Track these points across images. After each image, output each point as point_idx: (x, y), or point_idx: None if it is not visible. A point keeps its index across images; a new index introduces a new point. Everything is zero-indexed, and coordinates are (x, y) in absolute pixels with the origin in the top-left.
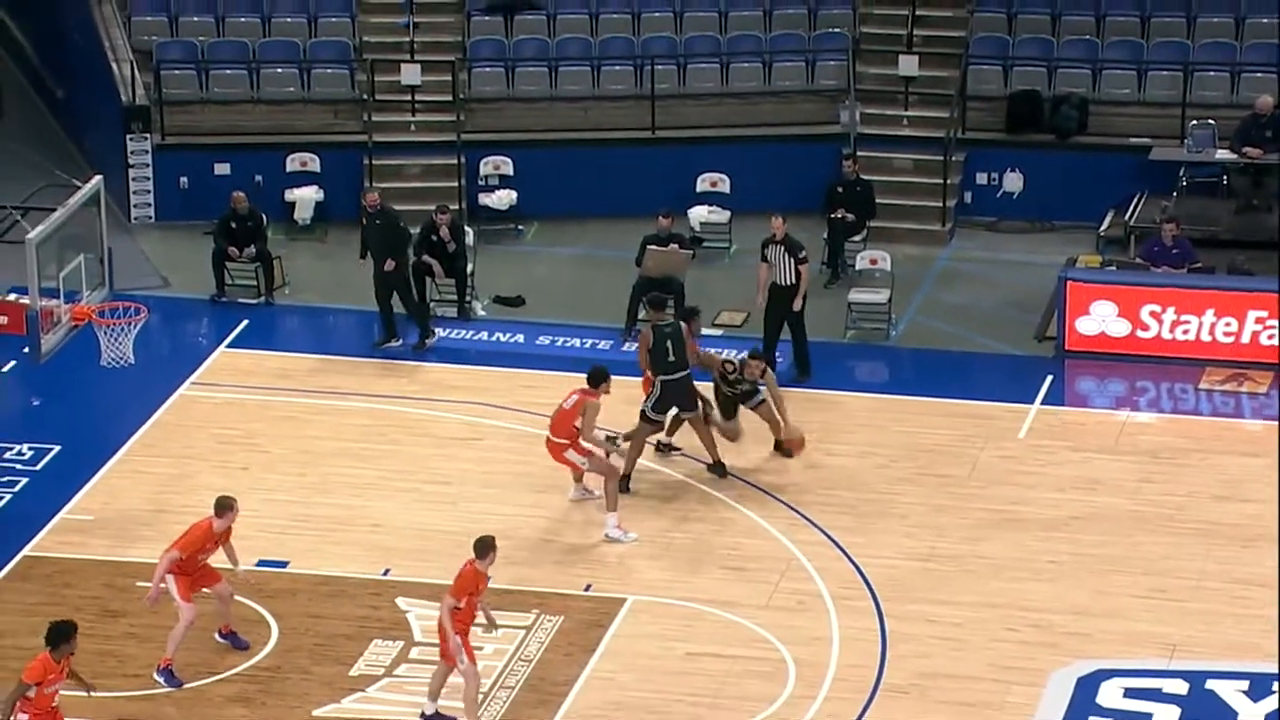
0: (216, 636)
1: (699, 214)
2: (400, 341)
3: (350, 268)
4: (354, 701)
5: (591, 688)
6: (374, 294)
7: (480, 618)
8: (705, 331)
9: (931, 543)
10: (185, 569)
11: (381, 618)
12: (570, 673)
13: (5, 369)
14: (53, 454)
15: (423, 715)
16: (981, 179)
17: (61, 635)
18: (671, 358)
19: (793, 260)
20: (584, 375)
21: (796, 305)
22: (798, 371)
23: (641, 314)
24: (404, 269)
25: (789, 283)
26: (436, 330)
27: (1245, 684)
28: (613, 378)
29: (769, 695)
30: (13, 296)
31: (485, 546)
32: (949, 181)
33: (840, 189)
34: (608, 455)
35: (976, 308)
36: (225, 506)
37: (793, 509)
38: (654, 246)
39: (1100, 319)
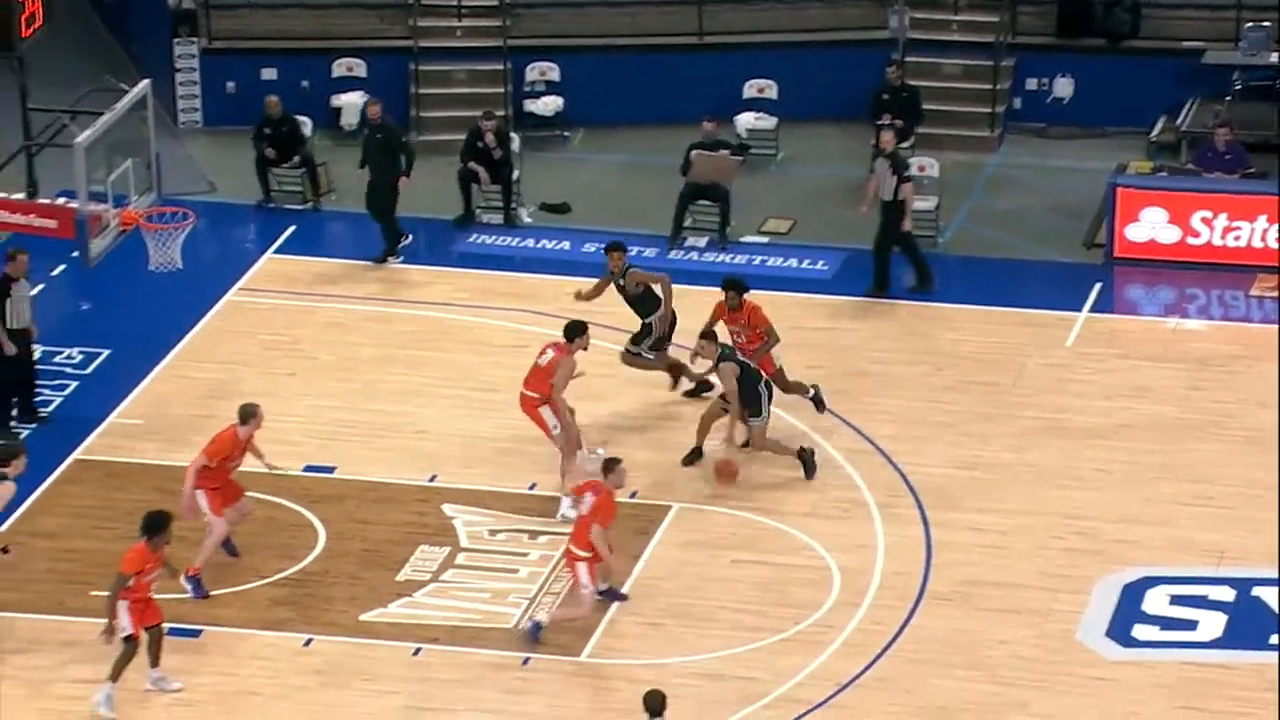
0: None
1: (746, 120)
2: (409, 238)
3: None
4: (400, 606)
5: (636, 595)
6: (366, 204)
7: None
8: (750, 238)
9: (977, 450)
10: (214, 479)
11: (428, 524)
12: (616, 579)
13: (55, 273)
14: (102, 358)
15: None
16: (1031, 84)
17: (157, 525)
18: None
19: (895, 176)
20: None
21: (906, 225)
22: (918, 282)
23: (688, 221)
24: (393, 186)
25: (889, 198)
26: (482, 237)
27: None
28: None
29: (814, 602)
30: (62, 201)
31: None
32: (998, 87)
33: (887, 95)
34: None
35: (1025, 215)
36: (249, 414)
37: (837, 416)
38: (701, 152)
39: (1150, 225)
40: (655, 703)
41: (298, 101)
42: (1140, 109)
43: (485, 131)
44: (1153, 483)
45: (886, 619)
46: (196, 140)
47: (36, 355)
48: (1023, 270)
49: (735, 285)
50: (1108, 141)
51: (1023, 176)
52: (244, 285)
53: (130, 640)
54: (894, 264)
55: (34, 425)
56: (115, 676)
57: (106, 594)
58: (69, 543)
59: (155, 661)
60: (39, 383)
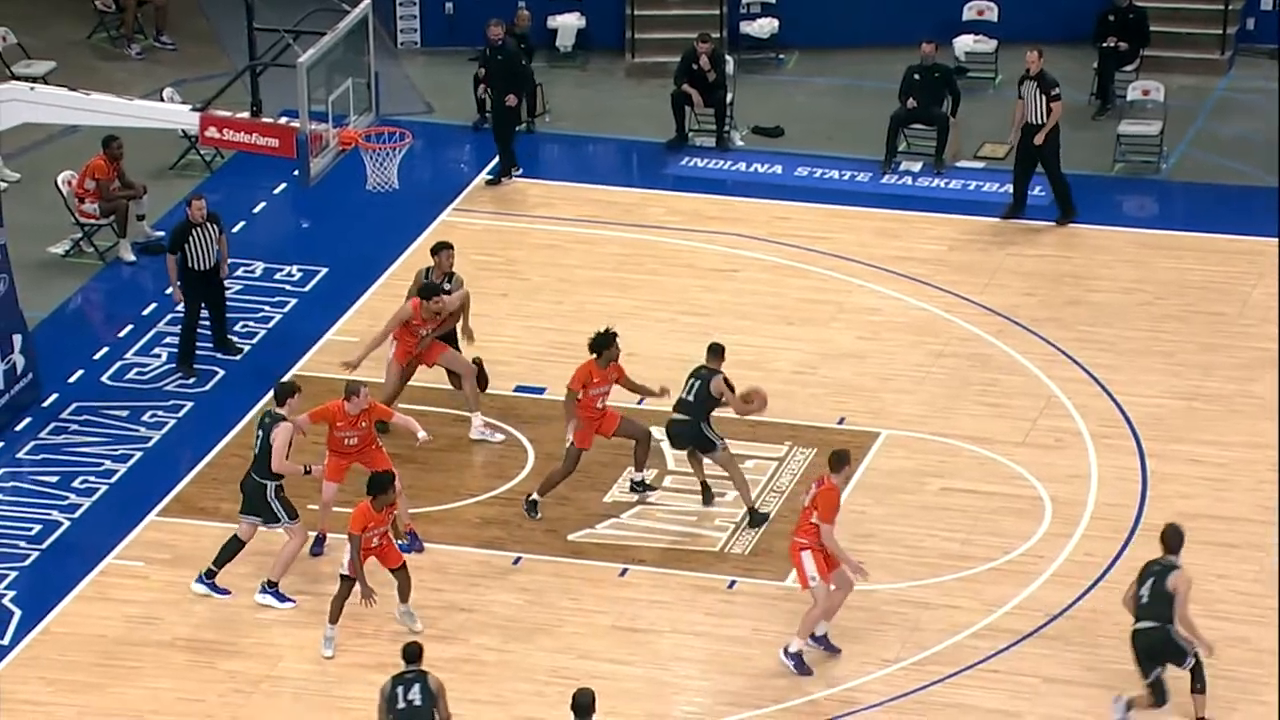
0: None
1: (964, 43)
2: (520, 169)
3: (611, 96)
4: (607, 528)
5: (843, 521)
6: (492, 128)
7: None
8: (965, 164)
9: (1198, 381)
10: (331, 445)
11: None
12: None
13: (276, 191)
14: (320, 276)
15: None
16: (1266, 3)
17: (379, 486)
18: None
19: (1044, 96)
20: (843, 209)
21: (1038, 140)
22: (1060, 213)
23: (902, 145)
24: (518, 107)
25: (1040, 120)
26: (694, 160)
27: None
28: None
29: (1024, 532)
30: (284, 120)
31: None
32: (1230, 7)
33: (1112, 16)
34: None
35: (1253, 140)
36: (353, 391)
37: (1052, 345)
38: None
39: None
40: (585, 701)
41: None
42: None
43: (700, 54)
44: None
45: (1100, 550)
46: (414, 61)
47: (258, 271)
48: (1250, 197)
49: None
50: None
51: (1253, 101)
52: (458, 205)
53: (346, 580)
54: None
55: (231, 357)
56: (334, 618)
57: (350, 549)
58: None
59: (404, 597)
60: (239, 314)
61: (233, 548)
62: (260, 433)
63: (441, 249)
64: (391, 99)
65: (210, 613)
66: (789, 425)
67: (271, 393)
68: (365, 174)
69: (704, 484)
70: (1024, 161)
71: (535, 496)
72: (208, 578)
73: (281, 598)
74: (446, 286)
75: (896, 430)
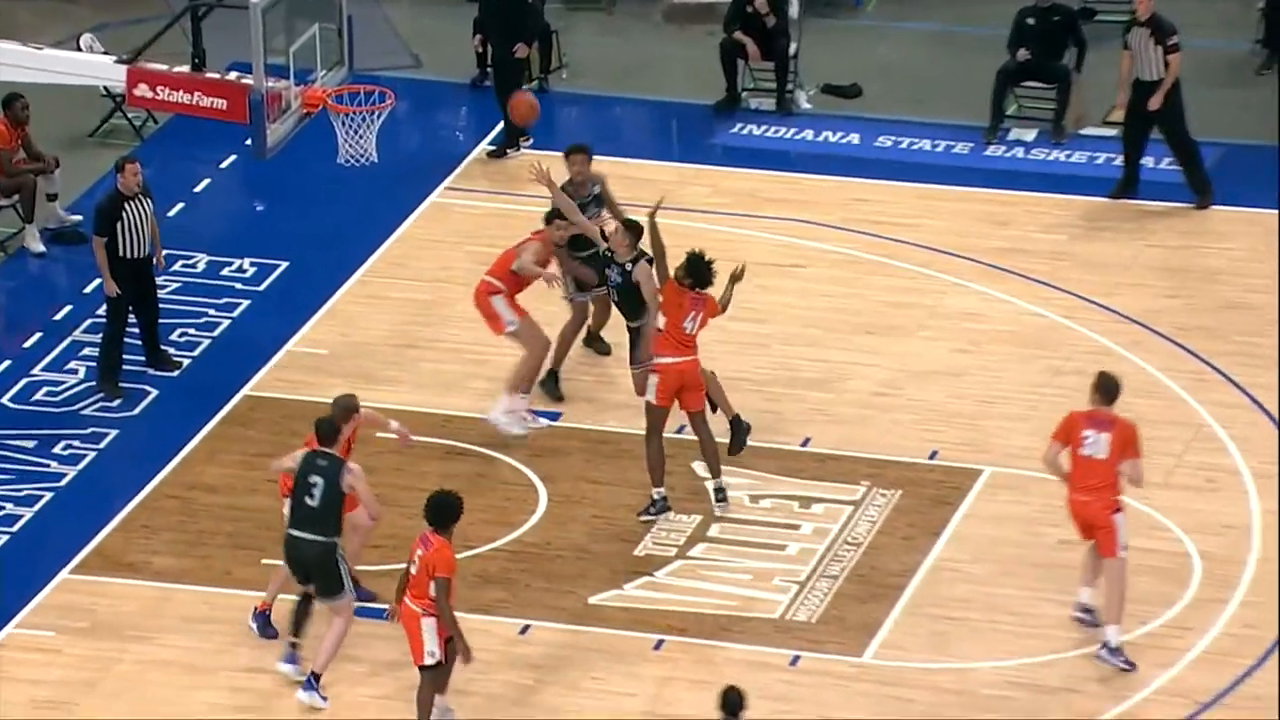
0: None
1: None
2: (530, 140)
3: (645, 46)
4: (638, 588)
5: (935, 580)
6: (494, 87)
7: None
8: (1091, 130)
9: None
10: None
11: (674, 485)
12: (908, 561)
13: (224, 165)
14: (279, 271)
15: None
16: None
17: (452, 514)
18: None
19: (1159, 47)
20: (936, 188)
21: (1154, 103)
22: (1195, 194)
23: (1011, 108)
24: (527, 60)
25: (1153, 76)
26: (749, 127)
27: None
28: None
29: (1166, 597)
30: (233, 76)
31: None
32: None
33: None
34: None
35: None
36: (349, 408)
37: (1202, 359)
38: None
39: None
40: (735, 700)
41: None
42: None
43: None
44: None
45: (1262, 622)
46: (398, 3)
47: (202, 266)
48: None
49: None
50: None
51: None
52: (453, 183)
53: (438, 668)
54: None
55: (166, 373)
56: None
57: (440, 605)
58: (237, 499)
59: (442, 688)
60: (176, 319)
61: (307, 608)
62: (320, 480)
63: (577, 152)
64: (369, 50)
65: (136, 694)
66: (867, 460)
67: (315, 431)
68: (336, 144)
69: None
70: (1137, 129)
71: (720, 482)
72: (312, 681)
73: (323, 694)
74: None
75: (1003, 467)
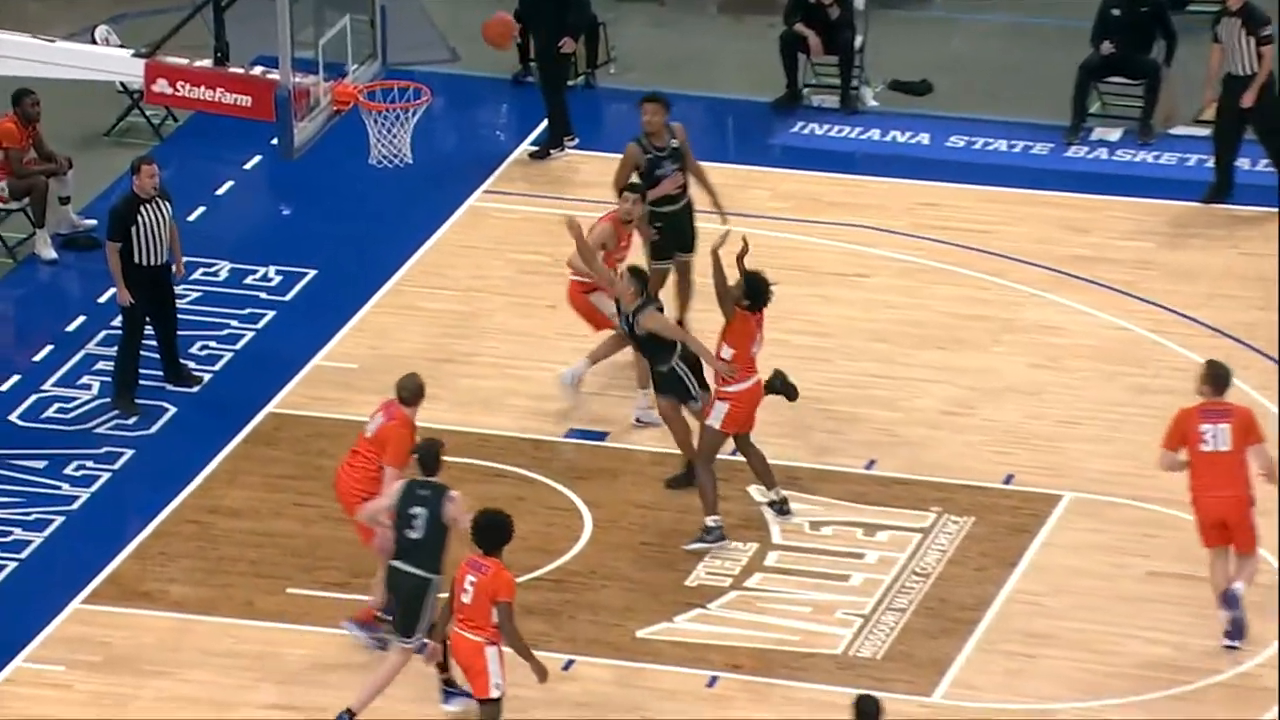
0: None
1: None
2: (575, 140)
3: (698, 38)
4: (690, 620)
5: (1010, 614)
6: (540, 84)
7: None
8: (1182, 130)
9: None
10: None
11: (729, 511)
12: (981, 593)
13: (248, 166)
14: (306, 280)
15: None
16: None
17: (503, 535)
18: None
19: (1251, 39)
20: (1012, 191)
21: (1247, 100)
22: None
23: (1093, 107)
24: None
25: (1246, 71)
26: (810, 126)
27: None
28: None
29: (1263, 636)
30: (258, 71)
31: None
32: None
33: None
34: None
35: None
36: (421, 390)
37: None
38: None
39: None
40: (871, 709)
41: None
42: None
43: None
44: None
45: None
46: None
47: (223, 274)
48: None
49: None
50: None
51: None
52: (492, 185)
53: (496, 703)
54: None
55: (185, 389)
56: None
57: (508, 630)
58: (261, 523)
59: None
60: (196, 330)
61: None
62: (422, 512)
63: (651, 101)
64: (403, 43)
65: None
66: (936, 485)
67: (417, 459)
68: (368, 143)
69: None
70: (1229, 127)
71: (779, 491)
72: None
73: None
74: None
75: (1084, 493)
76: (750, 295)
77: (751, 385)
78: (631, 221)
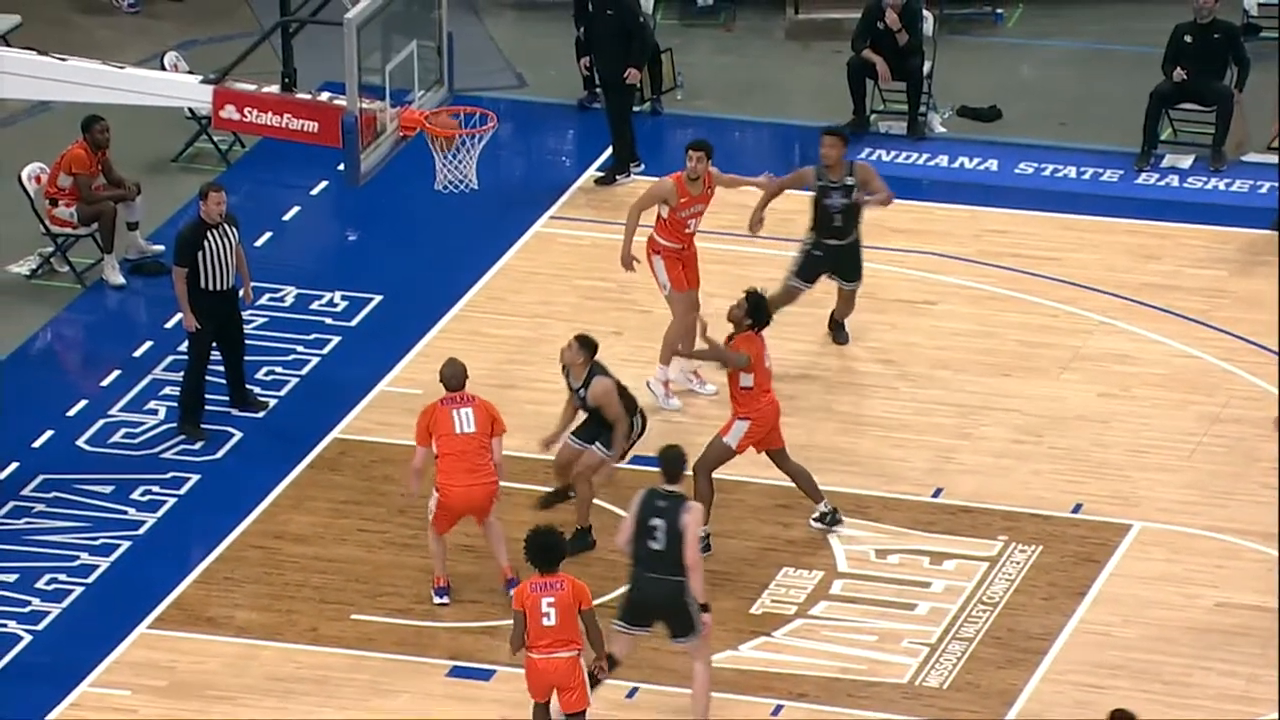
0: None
1: None
2: (642, 166)
3: (766, 64)
4: (754, 648)
5: (1079, 644)
6: (606, 110)
7: None
8: (1255, 157)
9: None
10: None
11: (793, 539)
12: (1050, 623)
13: (314, 191)
14: (372, 306)
15: None
16: None
17: (560, 554)
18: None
19: None
20: (1082, 218)
21: None
22: None
23: (1165, 134)
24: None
25: None
26: (878, 152)
27: None
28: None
29: None
30: (326, 96)
31: None
32: None
33: None
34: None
35: None
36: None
37: None
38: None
39: None
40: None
41: None
42: None
43: (887, 8)
44: None
45: None
46: (500, 19)
47: (289, 300)
48: None
49: None
50: None
51: None
52: (558, 212)
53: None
54: None
55: (251, 414)
56: None
57: (595, 630)
58: (325, 549)
59: None
60: (262, 356)
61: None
62: (661, 523)
63: (830, 134)
64: (470, 69)
65: None
66: (1004, 513)
67: (660, 467)
68: (434, 169)
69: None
70: None
71: (826, 504)
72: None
73: None
74: None
75: (1154, 523)
76: (753, 315)
77: (768, 403)
78: (698, 179)
